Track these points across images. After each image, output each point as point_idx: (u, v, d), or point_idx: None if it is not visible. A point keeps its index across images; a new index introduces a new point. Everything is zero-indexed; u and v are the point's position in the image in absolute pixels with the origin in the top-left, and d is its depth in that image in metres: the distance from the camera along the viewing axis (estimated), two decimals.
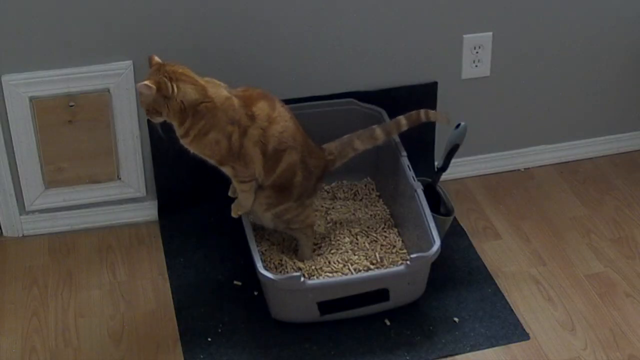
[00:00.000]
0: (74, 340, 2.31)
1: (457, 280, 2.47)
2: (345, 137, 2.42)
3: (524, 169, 2.93)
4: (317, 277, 2.38)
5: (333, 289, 2.28)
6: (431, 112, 2.43)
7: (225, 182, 2.38)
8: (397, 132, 2.45)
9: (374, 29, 2.61)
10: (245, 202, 2.35)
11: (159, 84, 2.15)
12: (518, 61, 2.76)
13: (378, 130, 2.42)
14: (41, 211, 2.64)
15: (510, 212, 2.74)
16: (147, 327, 2.35)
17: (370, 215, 2.61)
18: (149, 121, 2.53)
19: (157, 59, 2.22)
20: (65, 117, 2.51)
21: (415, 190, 2.41)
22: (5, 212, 2.61)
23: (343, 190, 2.72)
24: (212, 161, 2.28)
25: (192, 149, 2.26)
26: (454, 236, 2.61)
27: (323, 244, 2.49)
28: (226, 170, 2.30)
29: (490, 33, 2.70)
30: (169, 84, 2.16)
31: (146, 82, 2.15)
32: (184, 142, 2.26)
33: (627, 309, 2.40)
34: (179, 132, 2.24)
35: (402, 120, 2.43)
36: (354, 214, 2.61)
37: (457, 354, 2.26)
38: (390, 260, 2.44)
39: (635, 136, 3.00)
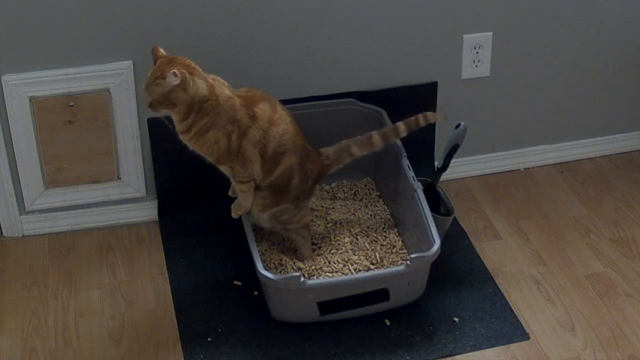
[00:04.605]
0: (74, 340, 2.31)
1: (457, 280, 2.47)
2: (343, 142, 2.38)
3: (524, 169, 2.93)
4: (317, 277, 2.38)
5: (333, 289, 2.28)
6: (429, 114, 2.37)
7: (225, 182, 2.38)
8: (395, 138, 2.40)
9: (374, 29, 2.61)
10: (244, 202, 2.35)
11: (183, 75, 2.13)
12: (518, 61, 2.76)
13: (376, 137, 2.37)
14: (41, 211, 2.63)
15: (510, 212, 2.74)
16: (147, 327, 2.35)
17: (370, 215, 2.61)
18: (149, 120, 2.54)
19: (162, 51, 2.21)
20: (65, 117, 2.51)
21: (415, 190, 2.41)
22: (5, 212, 2.61)
23: (343, 190, 2.72)
24: (210, 159, 2.28)
25: (191, 146, 2.26)
26: (454, 236, 2.61)
27: (323, 244, 2.49)
28: (224, 169, 2.30)
29: (490, 33, 2.70)
30: (188, 77, 2.15)
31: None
32: (183, 138, 2.25)
33: (627, 309, 2.40)
34: (180, 127, 2.23)
35: (401, 126, 2.37)
36: (354, 214, 2.61)
37: (457, 354, 2.26)
38: (390, 260, 2.44)
39: (635, 136, 3.00)
